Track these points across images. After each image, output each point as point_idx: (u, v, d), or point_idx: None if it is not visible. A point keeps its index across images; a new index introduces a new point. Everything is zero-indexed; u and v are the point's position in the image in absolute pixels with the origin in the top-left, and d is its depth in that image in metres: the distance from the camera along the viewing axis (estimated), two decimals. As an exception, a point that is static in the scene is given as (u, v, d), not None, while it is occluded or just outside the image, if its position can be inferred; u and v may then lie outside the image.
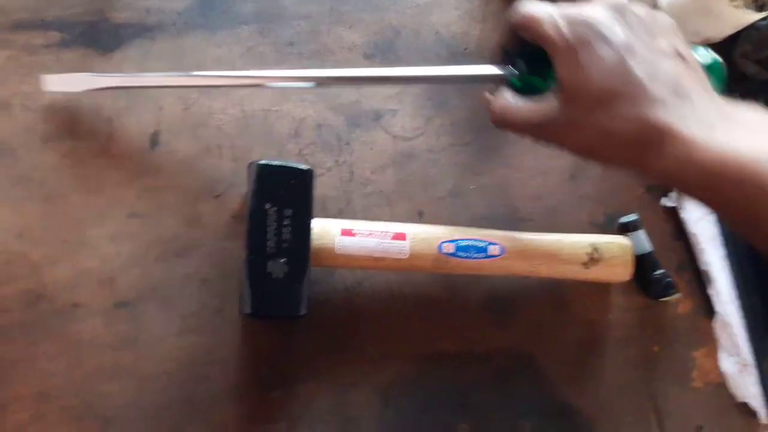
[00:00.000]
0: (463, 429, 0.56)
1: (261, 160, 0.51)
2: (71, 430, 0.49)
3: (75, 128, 0.54)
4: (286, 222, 0.50)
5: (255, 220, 0.50)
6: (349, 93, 0.59)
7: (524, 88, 0.51)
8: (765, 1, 0.63)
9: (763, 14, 0.62)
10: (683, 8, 0.65)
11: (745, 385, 0.62)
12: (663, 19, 0.47)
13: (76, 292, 0.51)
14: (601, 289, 0.62)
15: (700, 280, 0.64)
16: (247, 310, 0.49)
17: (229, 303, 0.53)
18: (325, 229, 0.52)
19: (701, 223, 0.64)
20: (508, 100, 0.49)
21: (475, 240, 0.54)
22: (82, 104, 0.54)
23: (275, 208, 0.50)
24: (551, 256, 0.56)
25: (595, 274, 0.57)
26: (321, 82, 0.53)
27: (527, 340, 0.59)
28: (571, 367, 0.60)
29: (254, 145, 0.57)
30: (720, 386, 0.63)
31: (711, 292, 0.63)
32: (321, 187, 0.57)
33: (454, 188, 0.60)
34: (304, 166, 0.51)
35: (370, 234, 0.52)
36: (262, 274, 0.49)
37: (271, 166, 0.51)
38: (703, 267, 0.63)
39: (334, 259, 0.52)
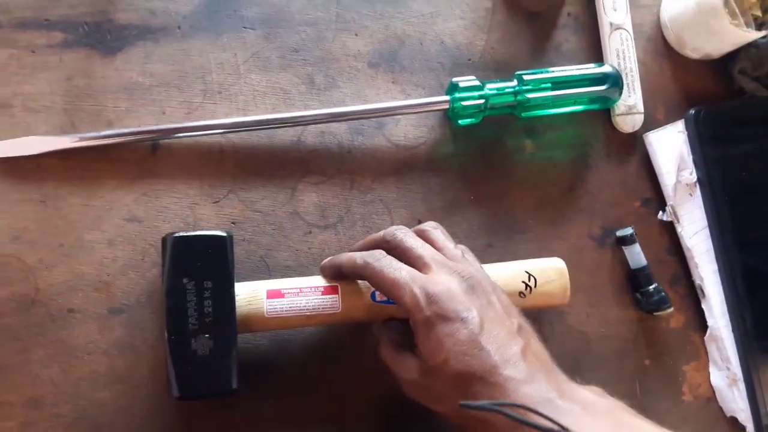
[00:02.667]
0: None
1: (174, 232, 0.43)
2: (62, 438, 0.44)
3: (74, 131, 0.48)
4: (206, 294, 0.42)
5: (173, 298, 0.42)
6: (353, 100, 0.53)
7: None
8: (765, 19, 0.57)
9: (762, 33, 0.56)
10: (685, 24, 0.59)
11: (734, 399, 0.57)
12: (501, 290, 0.45)
13: (71, 297, 0.46)
14: (597, 302, 0.56)
15: (693, 294, 0.58)
16: (175, 393, 0.41)
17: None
18: (251, 294, 0.44)
19: (696, 238, 0.58)
20: (390, 347, 0.45)
21: None
22: (83, 108, 0.48)
23: (193, 282, 0.42)
24: None
25: (533, 301, 0.50)
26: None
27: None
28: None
29: (257, 152, 0.51)
30: (710, 400, 0.57)
31: (704, 306, 0.58)
32: (322, 195, 0.51)
33: (454, 198, 0.54)
34: (220, 233, 0.44)
35: (299, 292, 0.45)
36: (187, 353, 0.42)
37: (185, 237, 0.43)
38: (697, 281, 0.58)
39: (265, 323, 0.45)
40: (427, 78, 0.55)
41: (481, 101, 0.52)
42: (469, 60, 0.56)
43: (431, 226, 0.47)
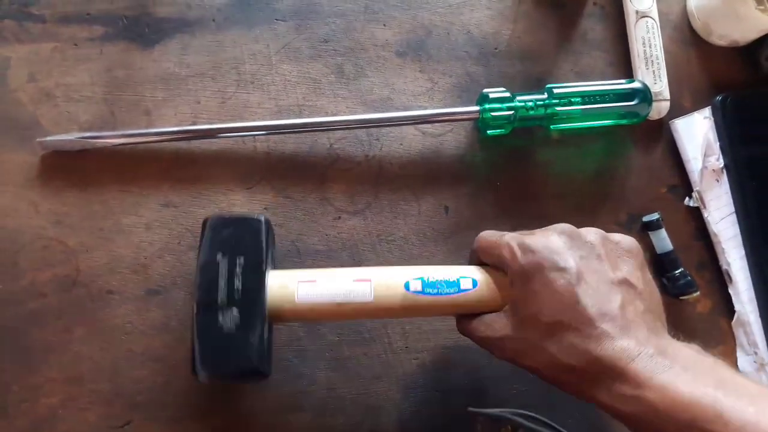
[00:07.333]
0: (481, 422, 0.46)
1: (214, 214, 0.40)
2: (100, 413, 0.41)
3: (114, 120, 0.45)
4: (237, 270, 0.38)
5: (205, 273, 0.38)
6: (381, 89, 0.49)
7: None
8: (794, 5, 0.51)
9: None
10: (711, 12, 0.53)
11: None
12: (617, 243, 0.40)
13: (109, 278, 0.42)
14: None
15: (719, 279, 0.52)
16: (201, 372, 0.37)
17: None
18: (283, 282, 0.39)
19: (722, 223, 0.52)
20: (470, 317, 0.41)
21: (442, 278, 0.41)
22: (122, 98, 0.45)
23: (226, 257, 0.38)
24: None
25: None
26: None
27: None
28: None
29: (287, 139, 0.47)
30: (736, 384, 0.52)
31: (731, 291, 0.52)
32: (350, 182, 0.47)
33: (481, 185, 0.49)
34: (257, 216, 0.40)
35: (330, 282, 0.39)
36: (214, 328, 0.37)
37: (223, 218, 0.39)
38: (723, 266, 0.52)
39: (297, 312, 0.39)
40: (453, 67, 0.50)
41: (511, 113, 0.47)
42: (496, 49, 0.51)
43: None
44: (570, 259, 0.37)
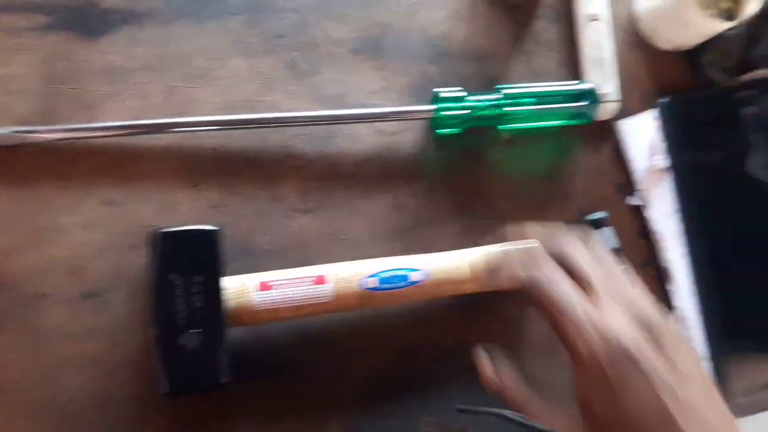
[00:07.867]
0: (425, 422, 0.43)
1: (160, 228, 0.36)
2: (25, 427, 0.36)
3: (53, 114, 0.40)
4: (196, 289, 0.35)
5: (160, 294, 0.35)
6: (335, 86, 0.46)
7: None
8: (733, 11, 0.49)
9: (731, 24, 0.49)
10: (657, 16, 0.52)
11: (701, 378, 0.50)
12: (681, 333, 0.35)
13: (43, 281, 0.38)
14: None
15: (662, 277, 0.50)
16: (165, 389, 0.35)
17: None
18: (240, 287, 0.37)
19: (664, 222, 0.51)
20: (514, 383, 0.36)
21: (397, 269, 0.40)
22: (62, 91, 0.41)
23: (183, 278, 0.35)
24: (471, 272, 0.41)
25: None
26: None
27: (497, 335, 0.46)
28: (540, 361, 0.47)
29: (237, 135, 0.43)
30: (679, 379, 0.50)
31: (670, 288, 0.50)
32: (302, 179, 0.44)
33: (434, 183, 0.47)
34: (208, 227, 0.37)
35: (288, 283, 0.38)
36: (175, 349, 0.35)
37: (172, 233, 0.36)
38: (663, 264, 0.50)
39: (255, 316, 0.37)
40: (408, 66, 0.48)
41: (463, 112, 0.45)
42: (451, 49, 0.48)
43: (596, 240, 0.38)
44: (652, 359, 0.31)
